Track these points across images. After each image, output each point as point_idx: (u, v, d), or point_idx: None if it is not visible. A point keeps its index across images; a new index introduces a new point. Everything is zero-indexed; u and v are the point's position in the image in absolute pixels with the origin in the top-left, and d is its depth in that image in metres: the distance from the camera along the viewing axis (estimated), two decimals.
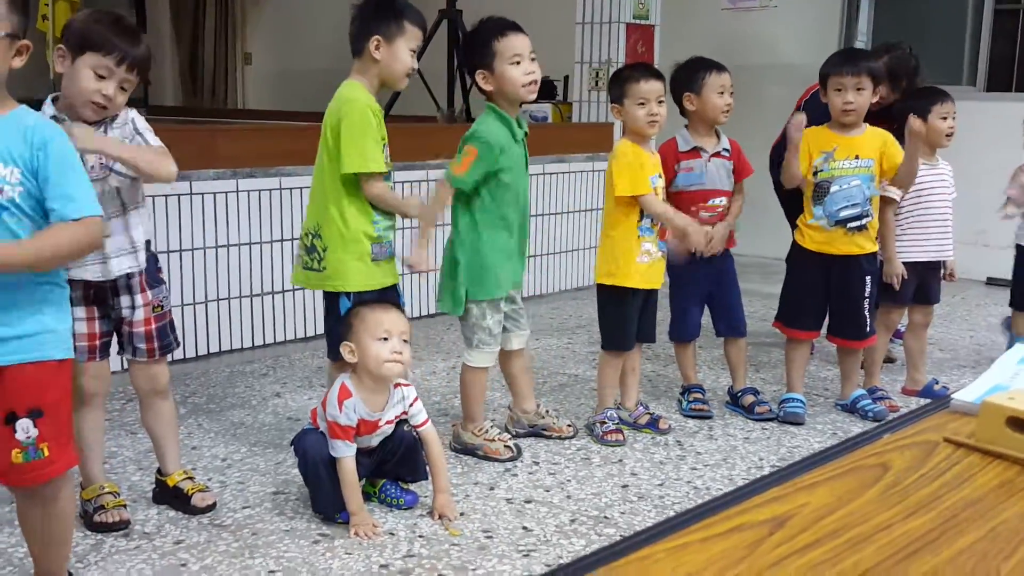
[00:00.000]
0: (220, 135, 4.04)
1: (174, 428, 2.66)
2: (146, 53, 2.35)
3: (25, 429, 1.87)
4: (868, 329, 3.35)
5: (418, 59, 2.79)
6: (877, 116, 3.47)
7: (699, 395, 3.45)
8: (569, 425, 3.18)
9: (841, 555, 0.70)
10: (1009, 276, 5.69)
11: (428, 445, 2.58)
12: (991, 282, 5.83)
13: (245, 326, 4.02)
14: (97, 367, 2.45)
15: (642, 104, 3.04)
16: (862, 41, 6.21)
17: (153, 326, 2.49)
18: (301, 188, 4.05)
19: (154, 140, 2.42)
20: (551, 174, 5.15)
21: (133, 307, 2.46)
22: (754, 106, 3.36)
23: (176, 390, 2.81)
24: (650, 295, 3.18)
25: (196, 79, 8.59)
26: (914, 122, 3.14)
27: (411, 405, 2.57)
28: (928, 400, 2.62)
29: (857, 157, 3.24)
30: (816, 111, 3.36)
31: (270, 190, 4.01)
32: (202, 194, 3.80)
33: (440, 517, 2.55)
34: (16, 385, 1.86)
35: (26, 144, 1.82)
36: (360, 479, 2.51)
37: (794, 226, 3.43)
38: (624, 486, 2.81)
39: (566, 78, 5.74)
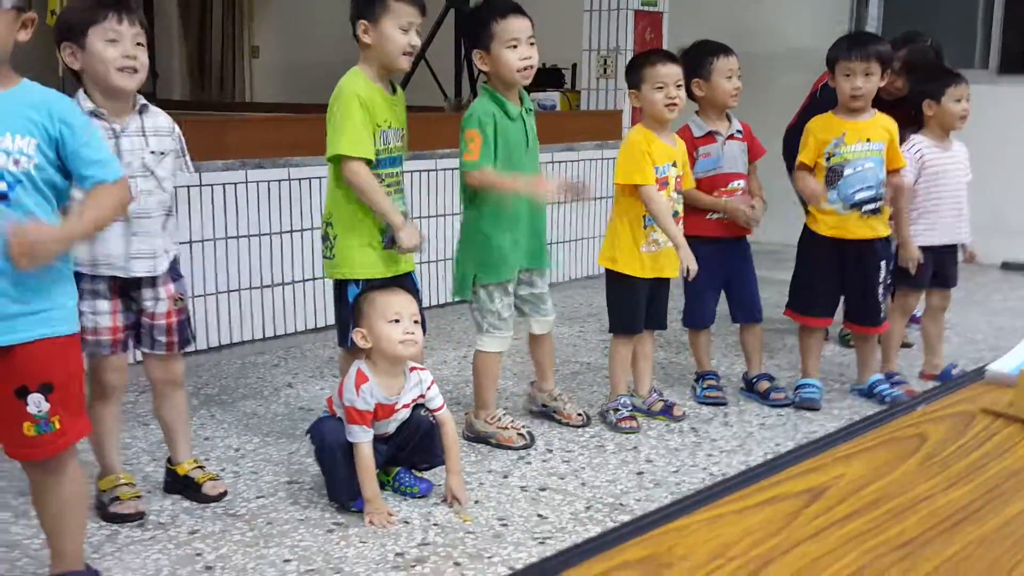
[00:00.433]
0: (229, 126, 4.02)
1: (186, 417, 2.66)
2: (136, 4, 2.37)
3: (37, 403, 1.89)
4: (883, 315, 3.32)
5: (426, 44, 2.76)
6: (891, 106, 3.43)
7: (713, 382, 3.43)
8: (579, 414, 3.15)
9: (882, 525, 0.67)
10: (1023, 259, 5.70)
11: (444, 428, 2.57)
12: (1006, 267, 5.79)
13: (256, 317, 4.01)
14: (118, 361, 2.46)
15: (660, 88, 3.01)
16: (873, 26, 6.16)
17: (174, 319, 2.49)
18: (310, 178, 4.03)
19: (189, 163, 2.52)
20: (560, 162, 5.12)
21: (156, 299, 2.46)
22: (764, 93, 3.33)
23: (188, 382, 2.81)
24: (662, 282, 3.15)
25: (204, 72, 8.57)
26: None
27: (428, 389, 2.56)
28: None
29: (868, 140, 3.21)
30: (830, 99, 3.33)
31: (279, 181, 3.98)
32: (211, 185, 3.78)
33: (452, 499, 2.53)
34: (28, 361, 1.88)
35: (43, 115, 1.83)
36: (376, 467, 2.50)
37: (808, 211, 3.40)
38: (639, 473, 2.79)
39: (574, 66, 5.71)
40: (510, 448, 2.94)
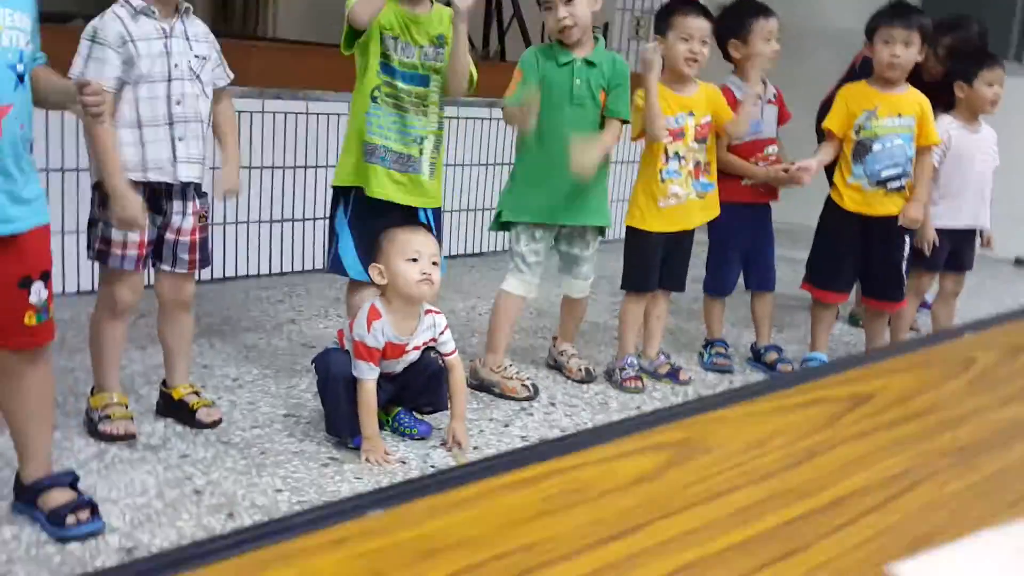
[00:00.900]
0: (250, 51, 3.92)
1: (188, 342, 2.62)
2: None
3: (38, 292, 1.88)
4: (904, 290, 3.27)
5: None
6: (928, 89, 3.34)
7: (722, 349, 3.38)
8: (580, 369, 3.11)
9: (933, 432, 0.62)
10: None
11: (453, 373, 2.53)
12: (1020, 263, 5.71)
13: (263, 252, 3.96)
14: (138, 278, 2.42)
15: (685, 40, 2.94)
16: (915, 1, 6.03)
17: (198, 236, 2.47)
18: (328, 114, 3.96)
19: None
20: None
21: (184, 214, 2.43)
22: (798, 67, 3.25)
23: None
24: (681, 239, 3.08)
25: (227, 6, 8.45)
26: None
27: (441, 333, 2.51)
28: None
29: (900, 115, 3.13)
30: (870, 74, 3.25)
31: (296, 113, 3.92)
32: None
33: (453, 442, 2.49)
34: (30, 249, 1.87)
35: None
36: (379, 405, 2.45)
37: (834, 184, 3.32)
38: None
39: (606, 25, 5.60)
40: (513, 398, 2.90)
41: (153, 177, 2.34)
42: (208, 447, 2.41)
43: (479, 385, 2.97)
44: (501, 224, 3.00)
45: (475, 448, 2.53)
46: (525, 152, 2.96)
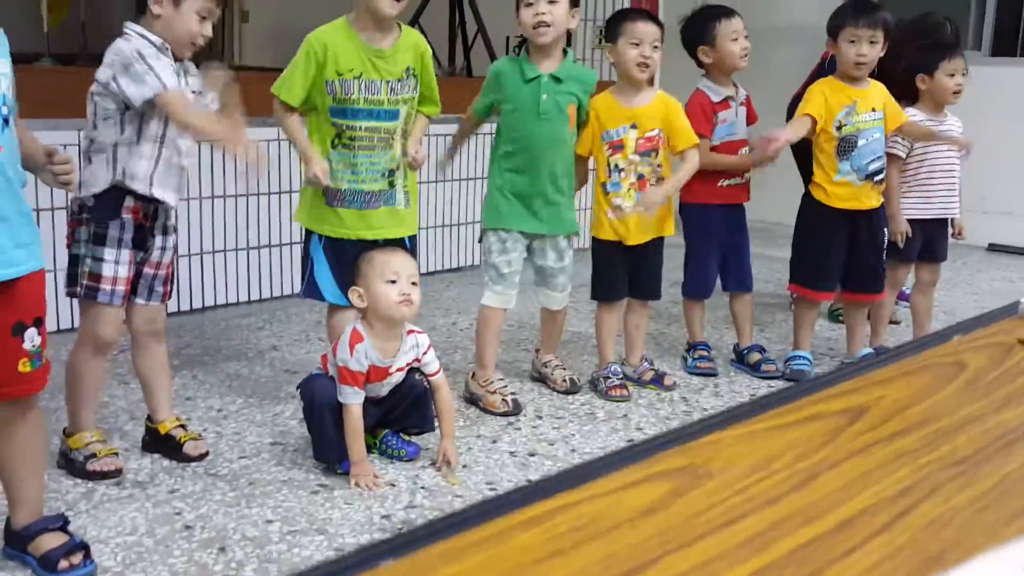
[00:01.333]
0: None
1: (167, 373, 2.60)
2: None
3: (31, 338, 1.88)
4: (884, 282, 3.30)
5: (419, 11, 2.70)
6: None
7: (704, 352, 3.39)
8: (565, 380, 3.11)
9: (933, 443, 0.63)
10: (1012, 242, 5.69)
11: (438, 392, 2.53)
12: (992, 248, 5.78)
13: (242, 279, 3.93)
14: (120, 314, 2.42)
15: (635, 45, 2.94)
16: None
17: (171, 270, 2.52)
18: None
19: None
20: None
21: (163, 248, 2.47)
22: (762, 66, 3.28)
23: (170, 342, 2.74)
24: (646, 250, 3.08)
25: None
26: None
27: (424, 353, 2.50)
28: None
29: (874, 109, 3.17)
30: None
31: (267, 140, 3.89)
32: (199, 142, 3.69)
33: (443, 462, 2.48)
34: (25, 294, 1.86)
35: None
36: (365, 429, 2.44)
37: (808, 184, 3.34)
38: (629, 440, 2.75)
39: (569, 35, 5.63)
40: (492, 413, 2.89)
41: (157, 194, 2.37)
42: (196, 480, 2.40)
43: (469, 398, 2.99)
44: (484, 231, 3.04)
45: (464, 466, 2.53)
46: (498, 163, 2.98)
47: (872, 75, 3.27)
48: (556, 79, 2.88)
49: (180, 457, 2.49)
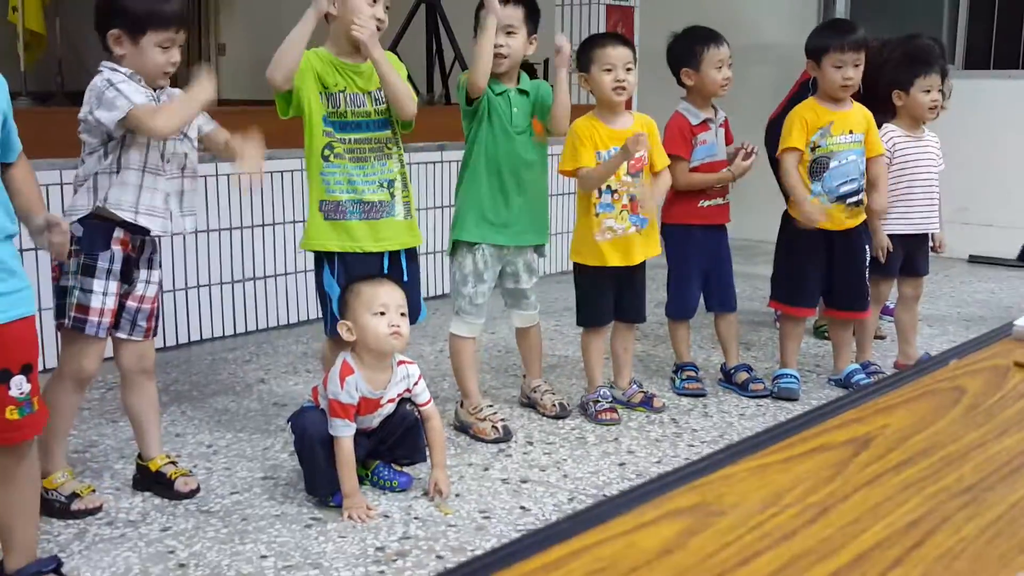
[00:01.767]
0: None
1: (156, 410, 2.59)
2: (184, 6, 2.47)
3: (19, 385, 1.87)
4: (868, 299, 3.33)
5: (397, 39, 2.72)
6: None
7: (692, 373, 3.40)
8: (554, 404, 3.11)
9: (939, 472, 0.64)
10: (991, 254, 5.75)
11: (429, 422, 2.52)
12: (973, 260, 5.83)
13: (227, 313, 3.92)
14: (102, 347, 2.41)
15: (608, 70, 2.97)
16: None
17: (156, 304, 2.50)
18: (283, 172, 3.96)
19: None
20: None
21: (148, 282, 2.46)
22: (736, 86, 3.30)
23: (157, 378, 2.74)
24: (632, 273, 3.09)
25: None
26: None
27: (415, 384, 2.50)
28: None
29: (851, 132, 3.20)
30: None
31: (251, 173, 3.90)
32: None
33: (435, 491, 2.47)
34: (9, 342, 1.85)
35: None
36: (357, 460, 2.43)
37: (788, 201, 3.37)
38: (621, 464, 2.75)
39: (546, 60, 5.66)
40: (483, 440, 2.89)
41: (143, 222, 2.36)
42: (188, 518, 2.38)
43: (459, 426, 2.98)
44: (454, 244, 3.02)
45: (456, 495, 2.52)
46: (471, 180, 2.96)
47: (857, 93, 3.31)
48: (522, 91, 2.94)
49: (171, 494, 2.47)
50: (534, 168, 3.02)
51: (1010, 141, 5.75)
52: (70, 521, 2.34)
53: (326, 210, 2.66)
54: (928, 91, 3.37)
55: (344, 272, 2.66)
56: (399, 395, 2.49)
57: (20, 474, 1.93)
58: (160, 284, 2.52)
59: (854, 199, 3.21)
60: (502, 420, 2.96)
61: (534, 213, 3.04)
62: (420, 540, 2.27)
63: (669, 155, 3.16)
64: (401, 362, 2.49)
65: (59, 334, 2.43)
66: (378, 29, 2.62)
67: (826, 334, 3.81)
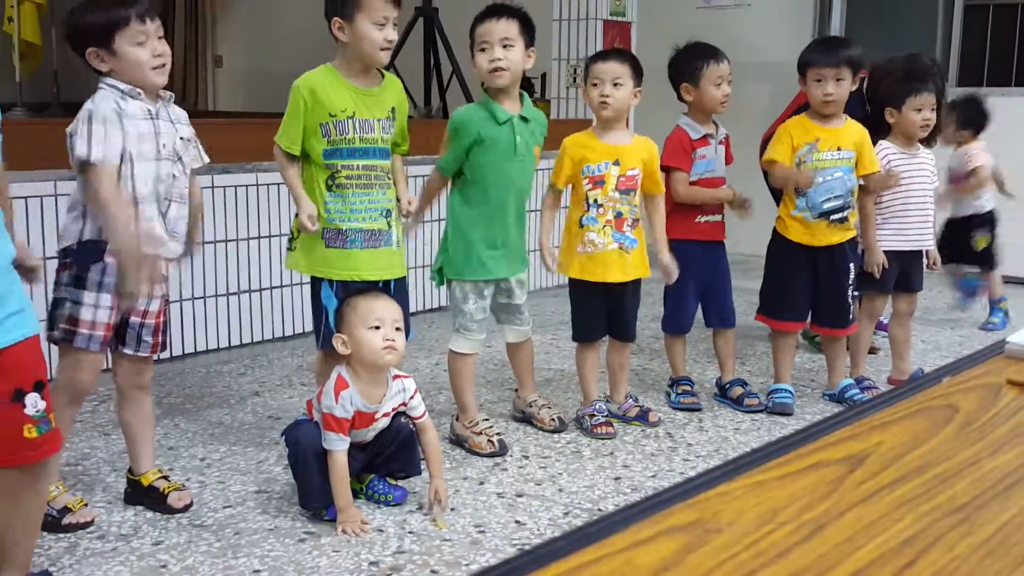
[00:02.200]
0: (197, 128, 3.92)
1: (151, 425, 2.58)
2: None
3: (34, 403, 1.85)
4: (852, 317, 3.33)
5: (395, 52, 2.73)
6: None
7: (688, 387, 3.40)
8: (553, 418, 3.11)
9: (933, 490, 0.64)
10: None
11: (425, 434, 2.52)
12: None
13: (222, 326, 3.91)
14: (99, 361, 2.39)
15: (595, 85, 2.99)
16: None
17: (162, 319, 2.47)
18: (279, 184, 3.95)
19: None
20: None
21: (150, 297, 2.42)
22: (733, 103, 3.32)
23: (151, 391, 2.74)
24: (622, 290, 3.07)
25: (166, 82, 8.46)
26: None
27: (411, 397, 2.50)
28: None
29: (839, 148, 3.21)
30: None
31: (246, 186, 3.91)
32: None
33: (435, 501, 2.47)
34: (19, 361, 1.84)
35: None
36: (351, 474, 2.43)
37: (779, 216, 3.39)
38: (617, 478, 2.75)
39: (544, 75, 5.69)
40: (478, 454, 2.89)
41: (145, 251, 2.33)
42: (181, 532, 2.37)
43: (455, 440, 2.98)
44: (444, 279, 2.99)
45: (452, 509, 2.51)
46: (468, 208, 2.93)
47: (856, 110, 3.34)
48: (524, 119, 2.92)
49: (164, 509, 2.46)
50: (528, 193, 3.04)
51: (1003, 156, 5.77)
52: (61, 535, 2.33)
53: (328, 237, 2.66)
54: (919, 110, 3.39)
55: (343, 289, 2.65)
56: (395, 409, 2.49)
57: (31, 495, 1.92)
58: (165, 298, 2.49)
59: (838, 216, 3.22)
60: (498, 434, 2.95)
61: (521, 239, 3.04)
62: (415, 554, 2.26)
63: (669, 166, 3.18)
64: (396, 376, 2.48)
65: (59, 348, 2.41)
66: (387, 49, 2.64)
67: (816, 338, 3.82)
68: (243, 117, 6.05)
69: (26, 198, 3.21)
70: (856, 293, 3.37)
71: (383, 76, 2.74)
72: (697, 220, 3.28)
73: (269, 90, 8.23)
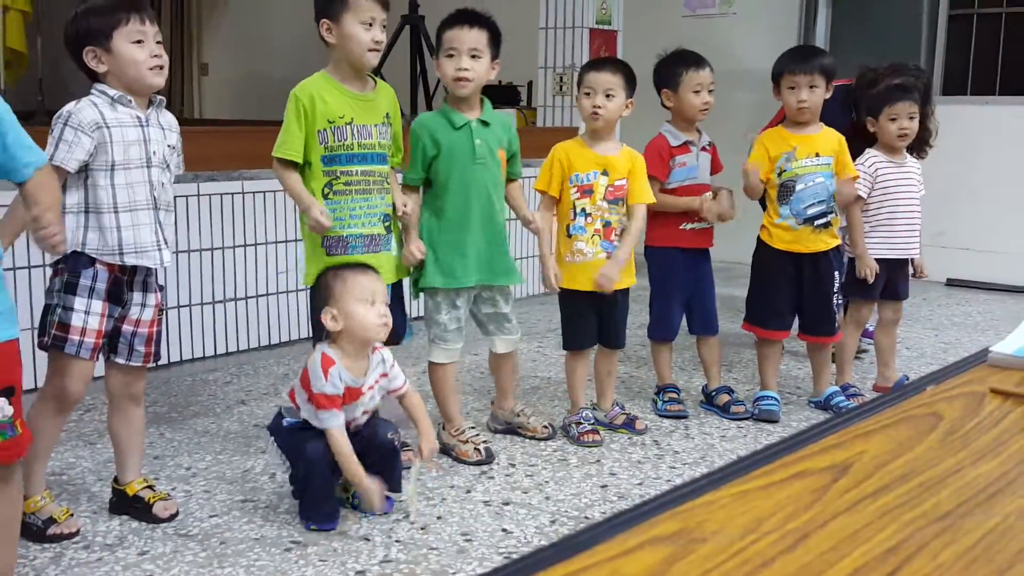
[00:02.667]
0: (183, 136, 3.92)
1: (141, 436, 2.56)
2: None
3: (1, 408, 1.83)
4: (838, 324, 3.35)
5: (381, 60, 2.73)
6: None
7: (674, 395, 3.41)
8: (545, 426, 3.12)
9: (917, 499, 0.64)
10: (969, 277, 5.81)
11: (407, 398, 2.53)
12: (951, 283, 5.89)
13: (207, 334, 3.90)
14: (89, 368, 2.36)
15: (588, 95, 2.99)
16: (820, 45, 6.26)
17: (155, 329, 2.45)
18: (264, 192, 3.95)
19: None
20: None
21: (144, 305, 2.41)
22: (716, 109, 3.35)
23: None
24: (612, 298, 3.06)
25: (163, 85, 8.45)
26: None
27: (391, 368, 2.51)
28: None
29: (817, 155, 3.23)
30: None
31: (232, 193, 3.90)
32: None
33: (426, 455, 2.48)
34: None
35: None
36: (337, 480, 2.43)
37: (763, 225, 3.40)
38: (603, 486, 2.75)
39: (530, 83, 5.71)
40: (465, 462, 2.88)
41: (130, 261, 2.33)
42: (166, 542, 2.36)
43: (442, 448, 2.96)
44: (421, 289, 2.97)
45: (438, 518, 2.51)
46: (432, 216, 2.91)
47: (839, 118, 3.36)
48: (484, 123, 2.91)
49: (149, 518, 2.45)
50: (500, 197, 3.00)
51: (987, 165, 5.83)
52: (46, 545, 2.31)
53: (328, 245, 2.67)
54: (895, 119, 3.41)
55: None
56: (377, 381, 2.48)
57: (3, 498, 1.91)
58: (158, 307, 2.47)
59: (822, 220, 3.24)
60: (484, 442, 2.95)
61: (499, 246, 2.98)
62: (401, 563, 2.26)
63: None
64: (375, 348, 2.48)
65: (48, 355, 2.40)
66: (375, 51, 2.64)
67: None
68: (229, 125, 6.04)
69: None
70: (841, 300, 3.38)
71: (376, 83, 2.76)
72: (682, 227, 3.29)
73: (255, 98, 8.25)
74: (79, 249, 2.30)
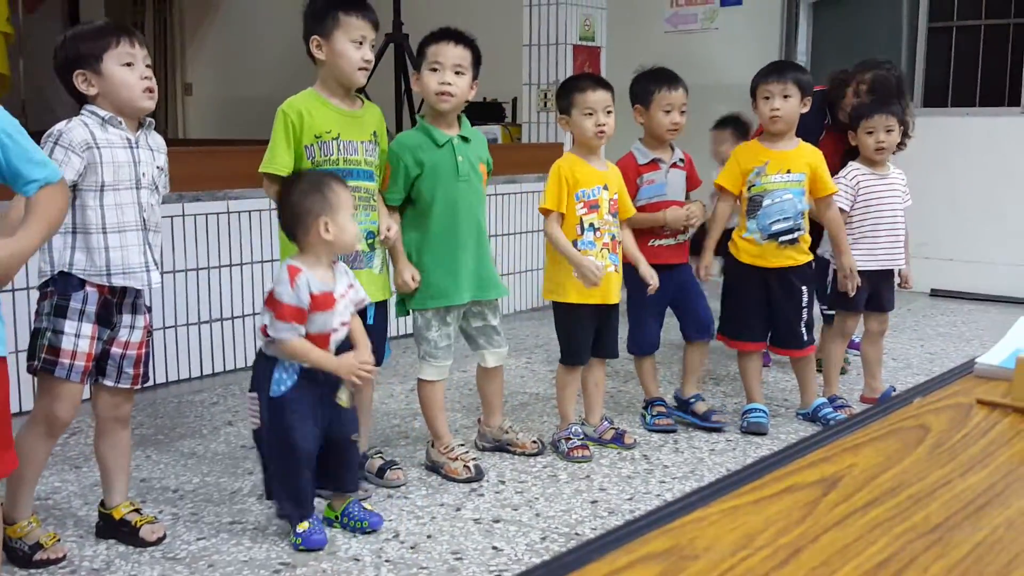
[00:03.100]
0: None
1: (127, 459, 2.54)
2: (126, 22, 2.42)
3: None
4: (807, 338, 3.35)
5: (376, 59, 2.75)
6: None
7: (662, 408, 3.41)
8: (534, 442, 3.11)
9: (906, 512, 0.65)
10: (953, 287, 5.85)
11: (356, 317, 2.51)
12: (935, 293, 5.92)
13: (193, 354, 3.88)
14: (79, 392, 2.34)
15: (589, 114, 3.00)
16: (801, 61, 6.31)
17: (144, 351, 2.45)
18: (250, 211, 3.95)
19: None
20: (502, 195, 5.12)
21: (132, 327, 2.40)
22: (698, 124, 3.37)
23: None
24: (611, 309, 3.12)
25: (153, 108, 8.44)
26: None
27: (354, 279, 2.51)
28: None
29: (789, 171, 3.24)
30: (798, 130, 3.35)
31: (217, 213, 3.89)
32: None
33: (350, 372, 2.43)
34: None
35: None
36: (315, 487, 2.45)
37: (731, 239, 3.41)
38: (593, 502, 2.75)
39: (514, 100, 5.73)
40: (455, 480, 2.87)
41: (118, 282, 2.32)
42: (154, 565, 2.34)
43: (431, 466, 2.96)
44: (407, 310, 2.95)
45: (428, 536, 2.50)
46: (419, 235, 2.89)
47: (815, 128, 3.38)
48: (464, 139, 2.91)
49: (136, 542, 2.43)
50: (483, 212, 3.00)
51: (969, 176, 5.87)
52: (33, 571, 2.29)
53: None
54: (871, 132, 3.43)
55: None
56: (346, 291, 2.45)
57: None
58: (147, 329, 2.46)
59: (787, 238, 3.25)
60: (474, 459, 2.94)
61: (486, 261, 2.98)
62: None
63: None
64: (334, 262, 2.48)
65: (35, 378, 2.38)
66: (364, 69, 2.66)
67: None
68: (213, 145, 6.04)
69: None
70: (824, 312, 3.40)
71: (363, 102, 2.77)
72: (650, 244, 3.28)
73: (238, 118, 8.25)
74: (66, 270, 2.28)
